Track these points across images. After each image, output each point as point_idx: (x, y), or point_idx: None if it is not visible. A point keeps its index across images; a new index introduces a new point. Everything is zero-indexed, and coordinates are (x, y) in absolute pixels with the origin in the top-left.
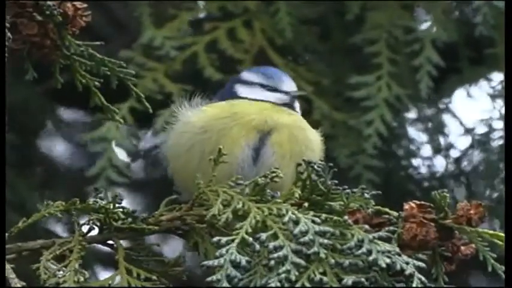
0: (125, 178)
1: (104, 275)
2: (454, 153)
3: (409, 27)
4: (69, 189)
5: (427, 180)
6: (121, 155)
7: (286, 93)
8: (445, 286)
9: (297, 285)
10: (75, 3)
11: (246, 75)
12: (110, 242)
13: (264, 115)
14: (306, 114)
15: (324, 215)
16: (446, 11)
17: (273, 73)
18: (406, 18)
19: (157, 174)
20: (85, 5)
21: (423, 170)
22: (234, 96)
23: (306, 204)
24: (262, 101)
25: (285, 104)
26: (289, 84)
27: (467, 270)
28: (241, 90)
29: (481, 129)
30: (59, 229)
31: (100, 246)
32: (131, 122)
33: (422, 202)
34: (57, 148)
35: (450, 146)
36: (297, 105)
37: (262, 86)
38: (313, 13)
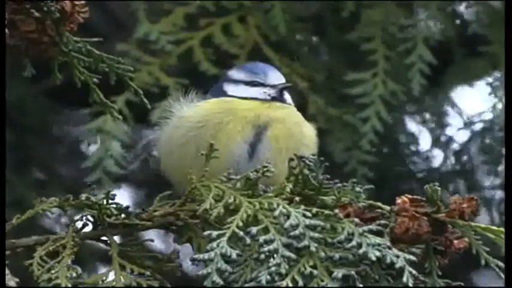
0: (122, 169)
1: (101, 271)
2: (454, 147)
3: (404, 24)
4: (66, 189)
5: (426, 174)
6: (117, 147)
7: (273, 86)
8: (438, 280)
9: (287, 279)
10: None
11: (232, 73)
12: (104, 238)
13: (259, 110)
14: (301, 109)
15: (314, 209)
16: (441, 9)
17: (256, 68)
18: (401, 16)
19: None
20: (83, 2)
21: (422, 166)
22: (224, 95)
23: (298, 198)
24: (249, 98)
25: (273, 98)
26: (275, 77)
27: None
28: (229, 89)
29: (479, 125)
30: (58, 228)
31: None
32: (127, 114)
33: (415, 196)
34: (55, 147)
35: (450, 140)
36: (287, 97)
37: (246, 83)
38: (307, 10)
